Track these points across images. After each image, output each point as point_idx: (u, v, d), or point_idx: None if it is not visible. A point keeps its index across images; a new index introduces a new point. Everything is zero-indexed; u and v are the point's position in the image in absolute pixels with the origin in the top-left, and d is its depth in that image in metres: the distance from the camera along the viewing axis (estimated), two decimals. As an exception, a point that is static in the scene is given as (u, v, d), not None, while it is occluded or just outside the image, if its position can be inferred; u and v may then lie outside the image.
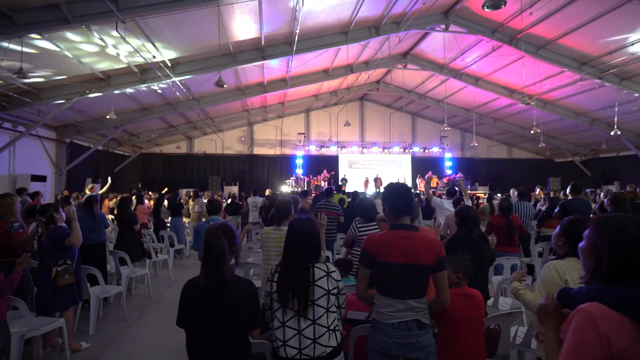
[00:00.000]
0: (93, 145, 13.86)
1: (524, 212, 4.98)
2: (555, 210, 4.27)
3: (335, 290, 1.87)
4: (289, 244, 1.93)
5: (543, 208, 6.19)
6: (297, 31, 8.67)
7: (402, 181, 17.66)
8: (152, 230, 6.65)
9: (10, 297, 2.74)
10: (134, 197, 7.40)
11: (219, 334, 1.74)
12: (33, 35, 6.93)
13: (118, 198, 10.03)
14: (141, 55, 8.33)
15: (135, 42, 7.87)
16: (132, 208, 5.57)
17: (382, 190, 11.93)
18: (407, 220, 1.88)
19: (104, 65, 9.07)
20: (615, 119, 12.59)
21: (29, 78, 7.16)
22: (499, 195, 12.39)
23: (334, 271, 1.89)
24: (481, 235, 2.88)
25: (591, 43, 10.31)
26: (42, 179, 11.13)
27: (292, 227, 1.95)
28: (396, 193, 1.93)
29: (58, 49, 7.59)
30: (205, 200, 9.67)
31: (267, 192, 9.18)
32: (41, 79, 8.90)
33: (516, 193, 5.09)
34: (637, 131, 15.10)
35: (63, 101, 9.71)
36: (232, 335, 1.76)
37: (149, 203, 8.21)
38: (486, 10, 6.25)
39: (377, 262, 1.82)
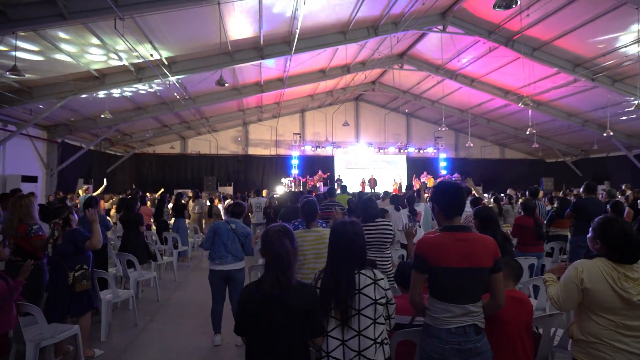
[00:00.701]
0: (85, 145, 13.55)
1: (539, 211, 4.94)
2: (568, 210, 4.29)
3: (383, 300, 1.77)
4: (332, 248, 1.84)
5: (547, 208, 6.25)
6: (298, 30, 8.59)
7: (398, 182, 17.73)
8: (154, 231, 6.49)
9: (24, 304, 2.61)
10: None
11: (284, 341, 1.67)
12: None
13: (114, 199, 9.82)
14: (139, 53, 8.14)
15: (132, 39, 7.69)
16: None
17: (376, 191, 11.78)
18: (459, 221, 1.82)
19: (99, 64, 8.86)
20: (608, 121, 12.83)
21: (24, 76, 6.91)
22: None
23: (382, 279, 1.81)
24: (504, 236, 2.84)
25: (585, 45, 10.48)
26: (33, 179, 10.82)
27: (336, 231, 1.86)
28: (447, 192, 1.85)
29: (52, 46, 7.37)
30: (205, 201, 9.55)
31: (264, 192, 9.06)
32: (34, 77, 8.64)
33: (527, 192, 5.10)
34: (627, 132, 15.42)
35: (56, 100, 9.45)
36: (296, 343, 1.68)
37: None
38: (497, 10, 6.24)
39: (432, 266, 1.75)
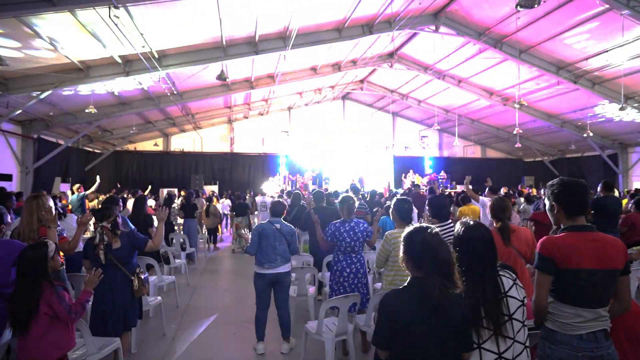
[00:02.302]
0: (63, 142, 12.79)
1: None
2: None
3: (525, 300, 1.68)
4: (470, 252, 1.70)
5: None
6: (296, 27, 8.44)
7: (387, 181, 17.86)
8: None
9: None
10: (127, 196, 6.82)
11: (438, 356, 1.53)
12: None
13: (100, 198, 9.31)
14: (130, 44, 7.73)
15: (123, 29, 7.29)
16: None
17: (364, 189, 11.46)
18: (583, 221, 1.76)
19: (84, 54, 8.36)
20: (588, 122, 13.45)
21: (7, 65, 6.40)
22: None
23: (516, 277, 1.73)
24: None
25: (569, 49, 10.92)
26: (8, 178, 10.11)
27: (470, 237, 1.71)
28: (572, 190, 1.77)
29: (33, 32, 6.86)
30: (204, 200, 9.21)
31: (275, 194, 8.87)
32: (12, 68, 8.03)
33: (542, 190, 5.21)
34: (601, 133, 16.22)
35: (35, 93, 8.85)
36: (450, 358, 1.56)
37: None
38: (519, 9, 6.34)
39: (563, 268, 1.68)
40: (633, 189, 9.40)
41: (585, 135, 13.28)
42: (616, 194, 8.94)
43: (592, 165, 17.77)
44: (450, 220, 3.02)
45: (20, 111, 9.59)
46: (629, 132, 15.29)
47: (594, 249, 1.68)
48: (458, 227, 1.79)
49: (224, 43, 9.30)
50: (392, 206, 2.94)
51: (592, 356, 1.64)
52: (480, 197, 5.33)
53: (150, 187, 10.76)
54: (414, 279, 1.63)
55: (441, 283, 1.53)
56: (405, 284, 1.65)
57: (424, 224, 1.75)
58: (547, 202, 1.87)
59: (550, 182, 1.90)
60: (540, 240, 1.77)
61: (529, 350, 1.68)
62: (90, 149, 15.88)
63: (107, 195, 9.47)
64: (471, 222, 1.80)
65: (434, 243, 1.60)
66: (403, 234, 1.72)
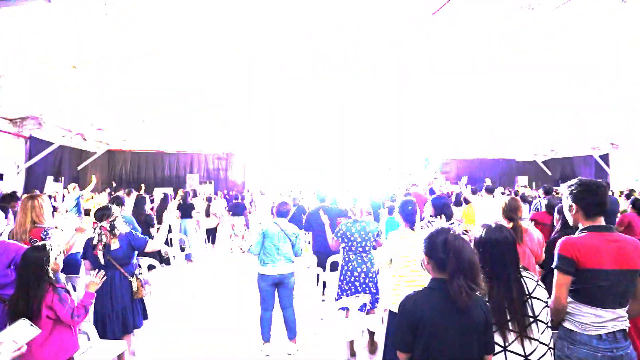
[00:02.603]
0: (55, 140, 12.54)
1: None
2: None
3: (548, 301, 1.69)
4: (494, 254, 1.68)
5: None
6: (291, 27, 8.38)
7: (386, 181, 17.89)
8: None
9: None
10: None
11: (462, 359, 1.51)
12: None
13: (93, 197, 9.16)
14: (126, 41, 7.62)
15: (119, 25, 7.16)
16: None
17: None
18: (602, 221, 1.76)
19: (78, 50, 8.20)
20: (581, 122, 13.61)
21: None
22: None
23: (537, 279, 1.73)
24: None
25: (564, 50, 11.02)
26: (-1, 177, 9.89)
27: (494, 238, 1.69)
28: (589, 190, 1.77)
29: (25, 29, 6.70)
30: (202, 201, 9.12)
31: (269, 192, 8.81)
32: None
33: (541, 190, 5.24)
34: (593, 133, 16.43)
35: (26, 90, 8.67)
36: None
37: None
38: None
39: (583, 269, 1.68)
40: (627, 189, 9.53)
41: (577, 135, 13.44)
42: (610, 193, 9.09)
43: (583, 165, 18.02)
44: (453, 221, 3.02)
45: (11, 109, 9.40)
46: (620, 133, 15.54)
47: (614, 250, 1.69)
48: (479, 229, 1.77)
49: (220, 42, 9.21)
50: (396, 207, 2.94)
51: (611, 356, 1.65)
52: (474, 197, 5.36)
53: (143, 186, 10.61)
54: (436, 280, 1.60)
55: (467, 285, 1.51)
56: (427, 286, 1.62)
57: (445, 225, 1.73)
58: (564, 202, 1.88)
59: (568, 182, 1.90)
60: (561, 241, 1.78)
61: (552, 351, 1.67)
62: (83, 148, 15.62)
63: (101, 195, 9.34)
64: (493, 224, 1.77)
65: (457, 244, 1.58)
66: (424, 236, 1.70)
